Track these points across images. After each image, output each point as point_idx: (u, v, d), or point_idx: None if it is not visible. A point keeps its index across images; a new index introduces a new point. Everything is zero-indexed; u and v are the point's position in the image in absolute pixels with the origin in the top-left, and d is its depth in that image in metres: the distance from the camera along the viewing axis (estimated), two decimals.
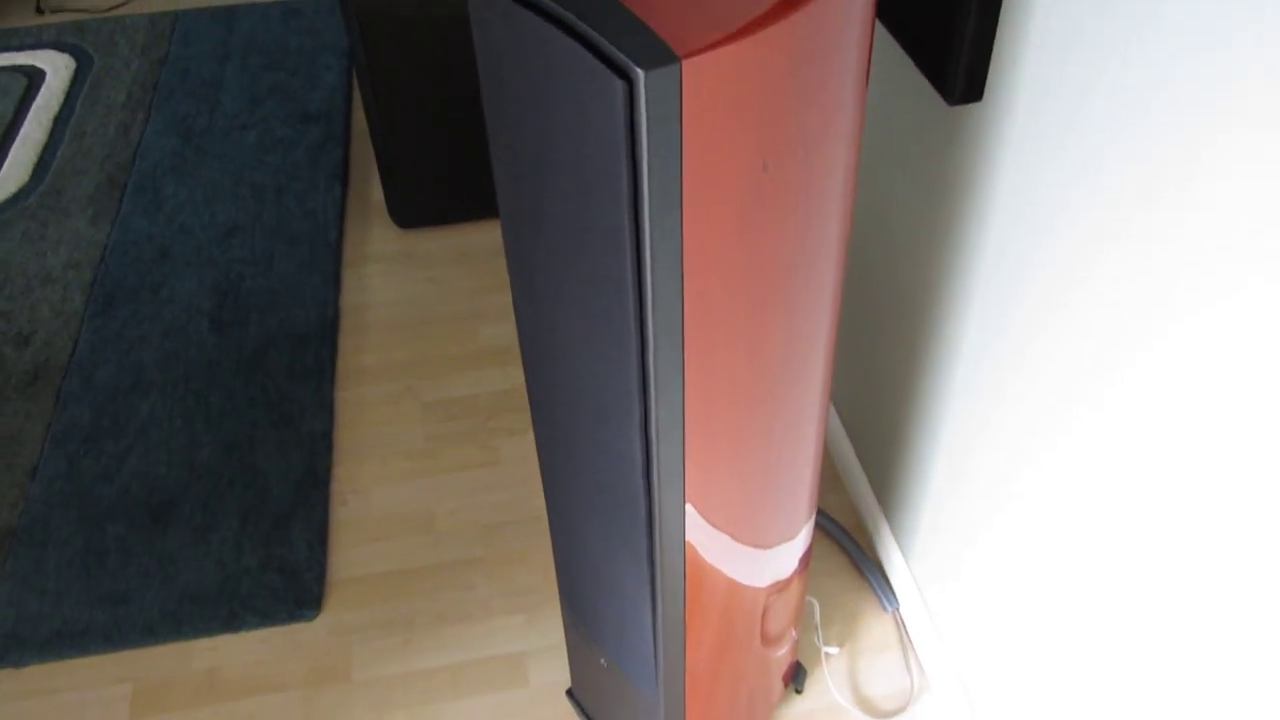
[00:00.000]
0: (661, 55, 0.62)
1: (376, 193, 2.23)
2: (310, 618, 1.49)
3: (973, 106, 1.05)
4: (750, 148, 0.70)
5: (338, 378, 1.84)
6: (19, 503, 1.63)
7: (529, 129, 0.73)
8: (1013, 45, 0.96)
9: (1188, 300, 0.76)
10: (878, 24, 1.23)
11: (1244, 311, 0.70)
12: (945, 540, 1.29)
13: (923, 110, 1.16)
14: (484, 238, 2.12)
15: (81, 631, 1.46)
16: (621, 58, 0.62)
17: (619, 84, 0.62)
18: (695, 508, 0.93)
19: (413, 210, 2.09)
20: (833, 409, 1.67)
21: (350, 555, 1.57)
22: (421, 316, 1.96)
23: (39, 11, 2.83)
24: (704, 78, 0.64)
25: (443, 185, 2.06)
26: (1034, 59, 0.92)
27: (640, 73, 0.61)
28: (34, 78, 2.55)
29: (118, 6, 2.85)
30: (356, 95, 2.48)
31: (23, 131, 2.38)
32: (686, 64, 0.62)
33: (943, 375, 1.22)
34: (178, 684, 1.43)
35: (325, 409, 1.76)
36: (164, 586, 1.52)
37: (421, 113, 1.93)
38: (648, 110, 0.63)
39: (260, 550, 1.56)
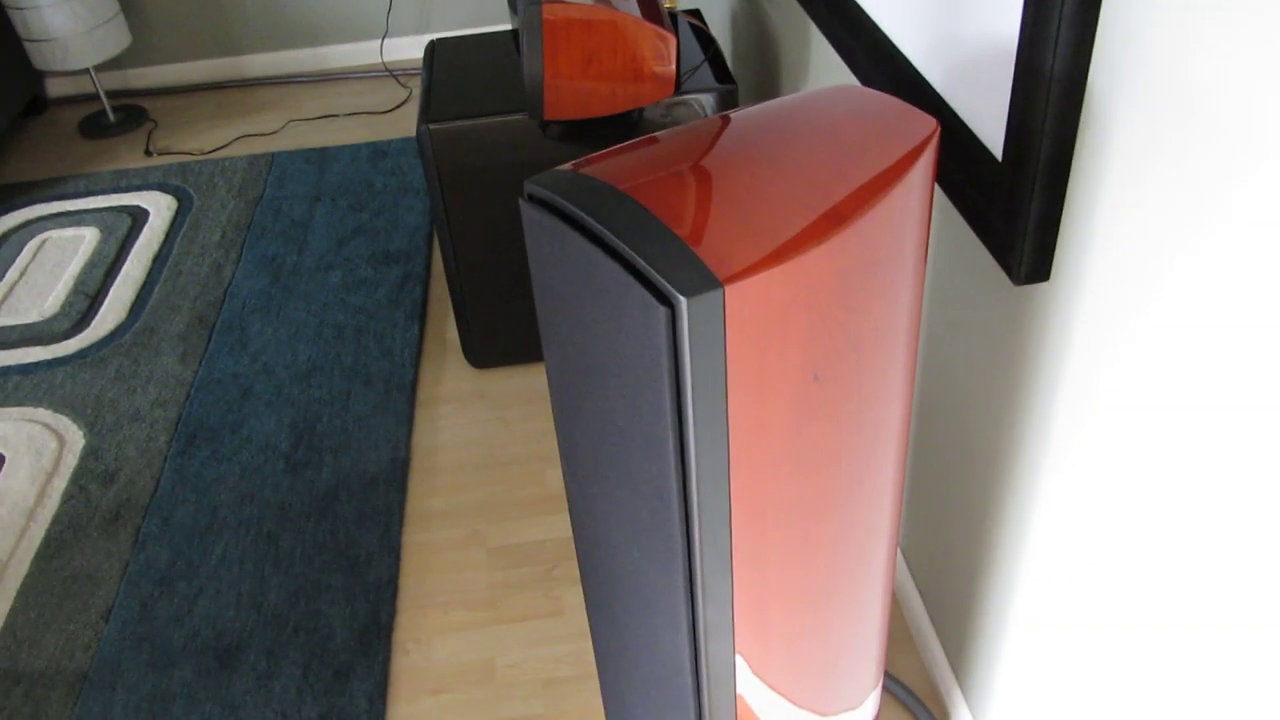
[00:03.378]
0: (704, 280, 0.62)
1: (452, 332, 2.28)
2: None
3: (1039, 285, 1.03)
4: (798, 361, 0.69)
5: (405, 521, 1.85)
6: (92, 644, 1.66)
7: (577, 337, 0.74)
8: (1080, 227, 0.94)
9: (1267, 478, 0.72)
10: (938, 190, 1.23)
11: None
12: (1023, 708, 1.23)
13: (986, 286, 1.14)
14: None
15: None
16: (664, 283, 0.63)
17: (661, 310, 0.62)
18: (749, 697, 0.90)
19: (486, 350, 2.13)
20: (904, 563, 1.62)
21: (409, 709, 1.55)
22: (491, 458, 1.97)
23: (147, 153, 3.01)
24: (747, 301, 0.64)
25: (515, 326, 2.09)
26: (1102, 242, 0.91)
27: (682, 300, 0.62)
28: (138, 217, 2.70)
29: (220, 148, 3.01)
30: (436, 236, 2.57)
31: (124, 270, 2.50)
32: (730, 289, 0.63)
33: (1017, 536, 1.17)
34: None
35: (392, 554, 1.77)
36: None
37: (495, 255, 1.98)
38: (690, 334, 0.63)
39: (321, 701, 1.55)
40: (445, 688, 1.58)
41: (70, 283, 2.48)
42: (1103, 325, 0.92)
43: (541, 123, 1.83)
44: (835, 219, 0.67)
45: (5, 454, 2.02)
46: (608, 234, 0.65)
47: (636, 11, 1.69)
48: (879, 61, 1.32)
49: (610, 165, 0.72)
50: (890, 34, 1.28)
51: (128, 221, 2.69)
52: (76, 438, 2.05)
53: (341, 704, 1.55)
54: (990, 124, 1.04)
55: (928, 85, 1.19)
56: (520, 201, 0.71)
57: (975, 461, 1.25)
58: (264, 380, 2.15)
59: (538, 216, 0.70)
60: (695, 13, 2.11)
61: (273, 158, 2.92)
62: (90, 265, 2.53)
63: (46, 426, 2.08)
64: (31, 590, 1.76)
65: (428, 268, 2.45)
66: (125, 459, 2.00)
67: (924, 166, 0.72)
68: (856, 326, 0.72)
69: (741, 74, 2.27)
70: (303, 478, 1.92)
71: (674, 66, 1.71)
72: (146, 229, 2.65)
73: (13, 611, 1.72)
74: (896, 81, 1.27)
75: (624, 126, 1.85)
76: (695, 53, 1.96)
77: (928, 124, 0.74)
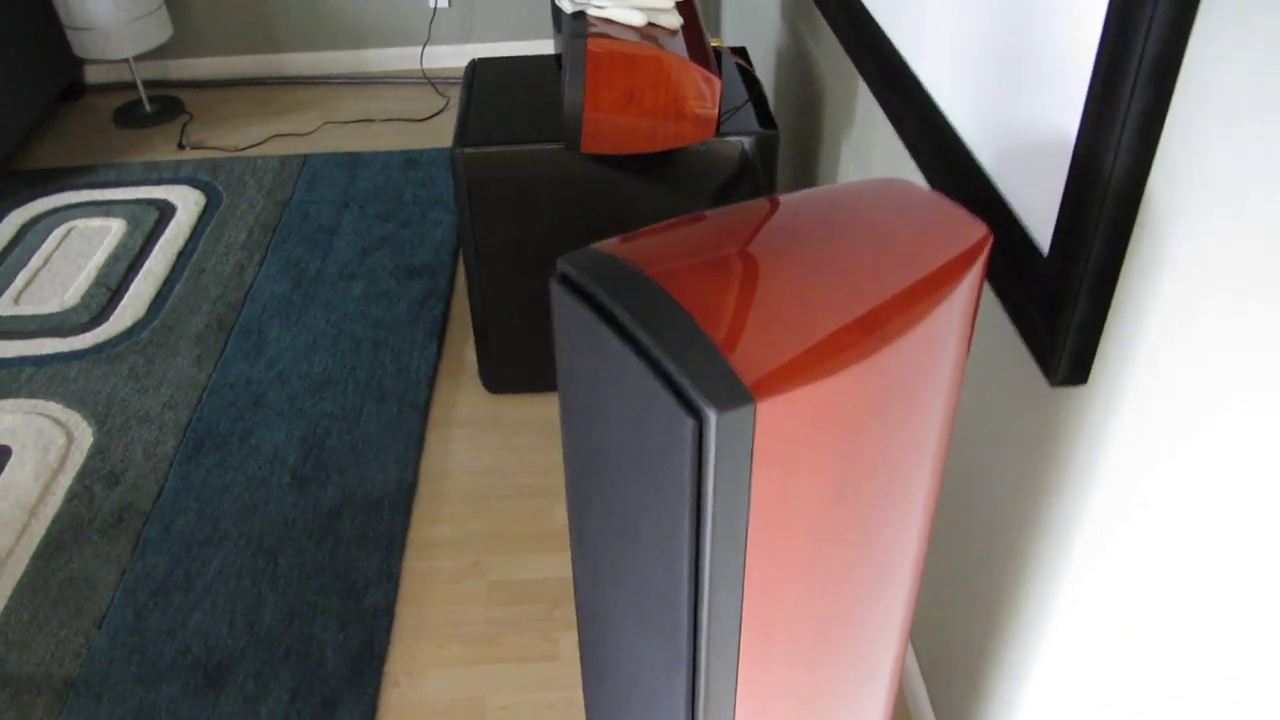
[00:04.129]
0: (736, 394, 0.59)
1: (471, 354, 2.26)
2: None
3: (1076, 388, 1.00)
4: (826, 475, 0.66)
5: (407, 547, 1.82)
6: (83, 652, 1.64)
7: (598, 428, 0.71)
8: (1125, 335, 0.91)
9: None
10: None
11: None
12: None
13: (1020, 380, 1.10)
14: None
15: None
16: (695, 395, 0.59)
17: (689, 423, 0.59)
18: None
19: (503, 376, 2.10)
20: (910, 644, 1.57)
21: None
22: (499, 488, 1.94)
23: (180, 146, 3.01)
24: (779, 417, 0.61)
25: (535, 354, 2.07)
26: (1148, 356, 0.87)
27: (712, 414, 0.58)
28: (166, 212, 2.69)
29: (254, 146, 3.00)
30: None
31: (146, 265, 2.49)
32: (762, 405, 0.59)
33: (1032, 636, 1.13)
34: None
35: (390, 581, 1.74)
36: None
37: (519, 282, 1.96)
38: (717, 449, 0.60)
39: None
40: None
41: (93, 274, 2.47)
42: (1141, 437, 0.88)
43: (577, 154, 1.80)
44: (879, 333, 0.64)
45: (12, 447, 2.01)
46: (640, 332, 0.62)
47: (683, 50, 1.67)
48: (927, 130, 1.28)
49: (648, 248, 0.69)
50: (942, 105, 1.25)
51: (155, 215, 2.68)
52: (85, 435, 2.03)
53: None
54: (1039, 215, 1.00)
55: (976, 163, 1.15)
56: (551, 283, 0.68)
57: (995, 558, 1.21)
58: (277, 389, 2.13)
59: (569, 303, 0.67)
60: (741, 51, 2.08)
61: (305, 159, 2.91)
62: (114, 258, 2.52)
63: (56, 421, 2.06)
64: (27, 590, 1.74)
65: (451, 285, 2.43)
66: (132, 460, 1.98)
67: (973, 278, 0.68)
68: (890, 441, 0.68)
69: (783, 115, 2.24)
70: (307, 494, 1.89)
71: (716, 109, 1.68)
72: (173, 224, 2.64)
73: (6, 612, 1.70)
74: (942, 152, 1.23)
75: (661, 163, 1.83)
76: (739, 91, 1.93)
77: (978, 230, 0.71)
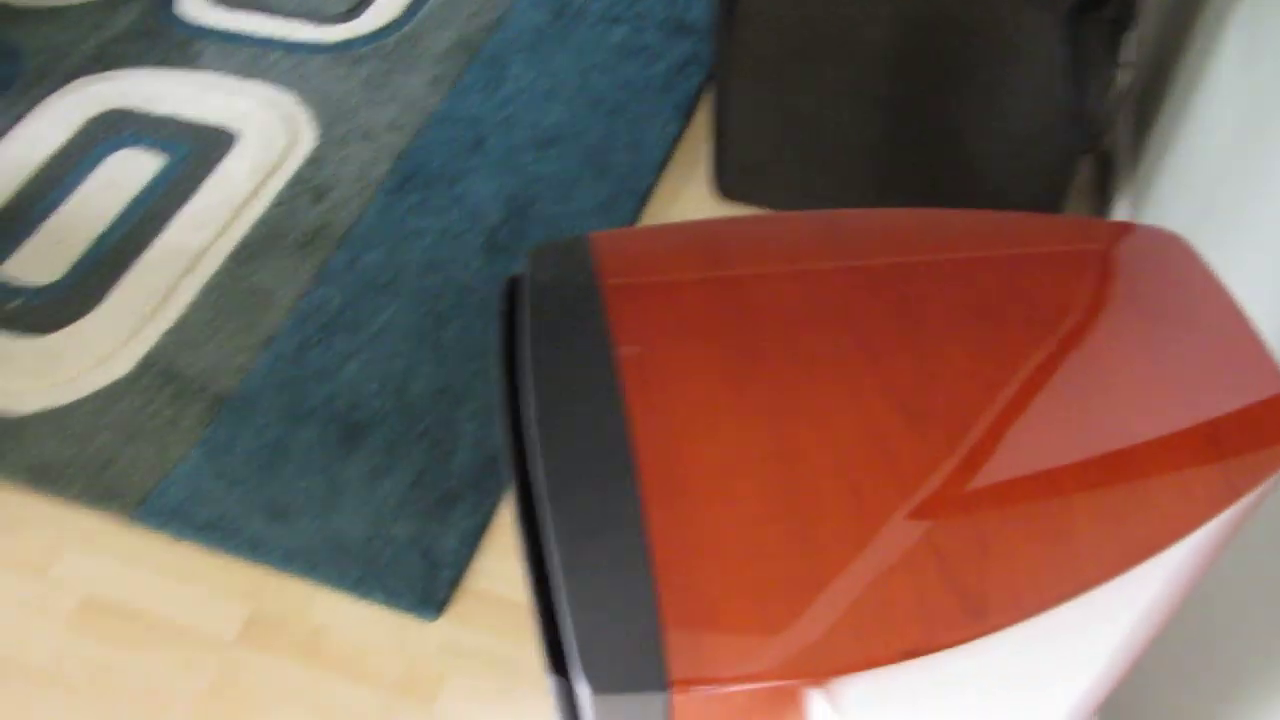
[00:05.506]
0: (640, 673, 0.33)
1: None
2: (430, 618, 1.39)
3: None
4: None
5: None
6: (245, 369, 1.64)
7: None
8: None
9: None
10: None
11: None
12: None
13: None
14: None
15: (234, 530, 1.45)
16: (574, 657, 0.34)
17: (557, 677, 0.34)
18: None
19: (738, 180, 1.82)
20: None
21: (495, 566, 1.44)
22: None
23: None
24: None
25: (777, 163, 1.76)
26: None
27: (586, 691, 0.33)
28: None
29: None
30: None
31: None
32: (681, 700, 0.33)
33: None
34: (289, 627, 1.39)
35: None
36: (320, 518, 1.47)
37: (770, 69, 1.62)
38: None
39: (417, 521, 1.46)
40: None
41: None
42: None
43: None
44: (986, 616, 0.34)
45: (240, 135, 1.98)
46: (550, 528, 0.37)
47: None
48: None
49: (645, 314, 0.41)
50: None
51: None
52: (308, 140, 1.97)
53: (433, 532, 1.45)
54: None
55: None
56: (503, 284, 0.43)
57: None
58: (501, 134, 1.96)
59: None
60: None
61: None
62: None
63: (286, 117, 2.01)
64: (214, 290, 1.74)
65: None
66: (342, 179, 1.90)
67: (1230, 517, 0.36)
68: None
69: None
70: (495, 263, 1.76)
71: None
72: None
73: (191, 307, 1.72)
74: None
75: None
76: None
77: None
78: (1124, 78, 1.87)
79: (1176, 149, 1.43)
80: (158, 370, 1.63)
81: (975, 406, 0.37)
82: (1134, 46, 1.77)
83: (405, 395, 1.60)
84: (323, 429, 1.56)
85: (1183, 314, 0.41)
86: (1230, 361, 0.40)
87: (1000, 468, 0.36)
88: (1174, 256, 0.45)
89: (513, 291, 0.53)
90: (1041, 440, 0.37)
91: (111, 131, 1.99)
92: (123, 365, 1.64)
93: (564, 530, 0.38)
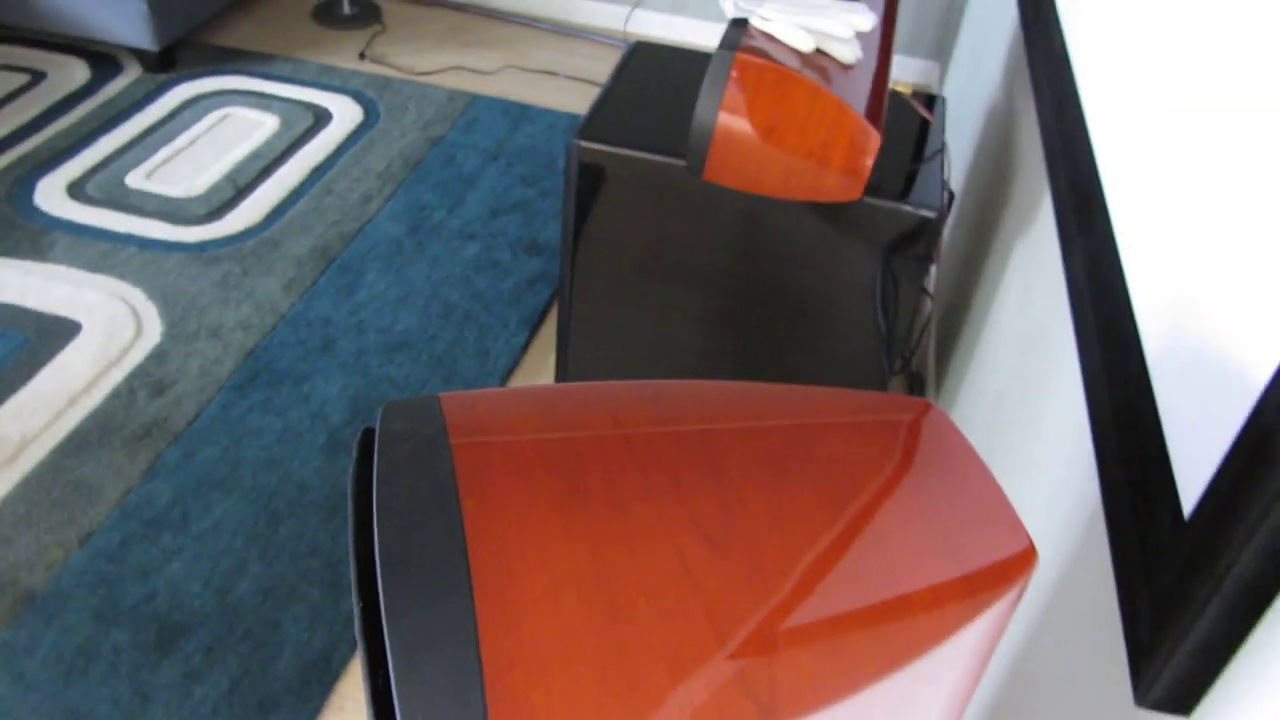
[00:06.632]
0: None
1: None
2: None
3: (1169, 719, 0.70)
4: None
5: None
6: (55, 566, 1.56)
7: None
8: (1264, 669, 0.61)
9: None
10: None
11: None
12: None
13: (1090, 685, 0.80)
14: None
15: None
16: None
17: None
18: None
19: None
20: None
21: None
22: None
23: (361, 56, 2.93)
24: None
25: (615, 375, 1.85)
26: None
27: None
28: (320, 120, 2.61)
29: (430, 73, 2.89)
30: None
31: (281, 171, 2.41)
32: None
33: None
34: None
35: None
36: None
37: (613, 286, 1.74)
38: None
39: None
40: None
41: (228, 167, 2.41)
42: None
43: (698, 179, 1.56)
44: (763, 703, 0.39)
45: (84, 326, 1.96)
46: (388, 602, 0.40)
47: (850, 91, 1.39)
48: (1096, 283, 0.98)
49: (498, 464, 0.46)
50: (1125, 258, 0.94)
51: (309, 121, 2.60)
52: (154, 334, 1.96)
53: None
54: (1193, 458, 0.70)
55: (1139, 346, 0.85)
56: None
57: None
58: (351, 338, 2.00)
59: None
60: (931, 101, 1.77)
61: (473, 100, 2.77)
62: (254, 156, 2.45)
63: (134, 312, 2.00)
64: (34, 483, 1.67)
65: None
66: (185, 374, 1.89)
67: (976, 638, 0.42)
68: None
69: (974, 183, 1.91)
70: (336, 463, 1.76)
71: (867, 169, 1.40)
72: (322, 134, 2.56)
73: (4, 501, 1.64)
74: (1105, 321, 0.93)
75: (791, 211, 1.56)
76: (931, 146, 1.63)
77: (1017, 547, 0.44)
78: (928, 306, 2.07)
79: (971, 367, 1.59)
80: None
81: (769, 542, 0.42)
82: (935, 279, 1.97)
83: (230, 595, 1.55)
84: (137, 630, 1.49)
85: (943, 473, 0.48)
86: (980, 514, 0.47)
87: (788, 593, 0.41)
88: (939, 427, 0.53)
89: (365, 441, 0.56)
90: (823, 572, 0.43)
91: None
92: None
93: (401, 644, 0.40)
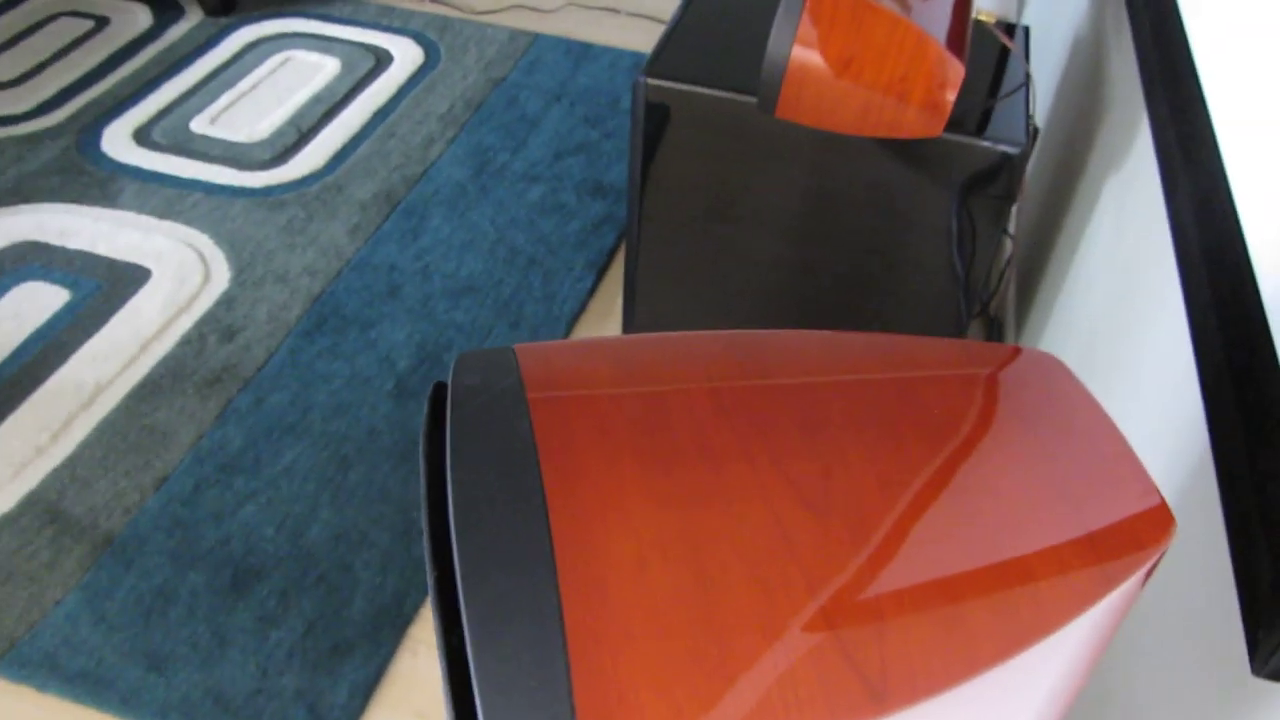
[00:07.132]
0: None
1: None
2: None
3: None
4: None
5: None
6: (133, 509, 1.58)
7: None
8: None
9: None
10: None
11: None
12: None
13: (1202, 654, 0.76)
14: None
15: (108, 682, 1.37)
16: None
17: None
18: None
19: (645, 330, 1.86)
20: None
21: (388, 716, 1.38)
22: None
23: None
24: None
25: (684, 317, 1.81)
26: None
27: None
28: (381, 62, 2.58)
29: (490, 12, 2.84)
30: None
31: (344, 115, 2.40)
32: None
33: None
34: None
35: None
36: (203, 669, 1.40)
37: (681, 230, 1.70)
38: None
39: (306, 673, 1.40)
40: (431, 712, 1.40)
41: (291, 111, 2.40)
42: None
43: (770, 117, 1.50)
44: (883, 697, 0.35)
45: (154, 272, 1.97)
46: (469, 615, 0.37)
47: (932, 21, 1.32)
48: (1206, 219, 0.91)
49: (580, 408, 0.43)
50: (1240, 208, 0.88)
51: (370, 63, 2.57)
52: (222, 279, 1.97)
53: (322, 686, 1.39)
54: None
55: (1254, 288, 0.79)
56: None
57: None
58: (416, 283, 1.99)
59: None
60: (1013, 30, 1.68)
61: (535, 39, 2.72)
62: (316, 99, 2.44)
63: (201, 257, 2.01)
64: (109, 428, 1.70)
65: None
66: (253, 320, 1.90)
67: (1105, 614, 0.38)
68: None
69: (1058, 117, 1.82)
70: (403, 409, 1.75)
71: (950, 103, 1.33)
72: (384, 77, 2.53)
73: (82, 445, 1.67)
74: (1213, 260, 0.87)
75: (869, 148, 1.50)
76: (1010, 79, 1.55)
77: (1152, 514, 0.40)
78: (1008, 248, 1.99)
79: (1056, 311, 1.52)
80: (40, 509, 1.57)
81: (873, 505, 0.39)
82: (1016, 220, 1.89)
83: (302, 539, 1.56)
84: (213, 574, 1.51)
85: (1062, 427, 0.44)
86: (1107, 472, 0.43)
87: (897, 560, 0.38)
88: (1055, 376, 0.48)
89: (437, 396, 0.54)
90: (935, 536, 0.39)
91: (20, 263, 1.97)
92: (3, 503, 1.57)
93: (478, 616, 0.38)
